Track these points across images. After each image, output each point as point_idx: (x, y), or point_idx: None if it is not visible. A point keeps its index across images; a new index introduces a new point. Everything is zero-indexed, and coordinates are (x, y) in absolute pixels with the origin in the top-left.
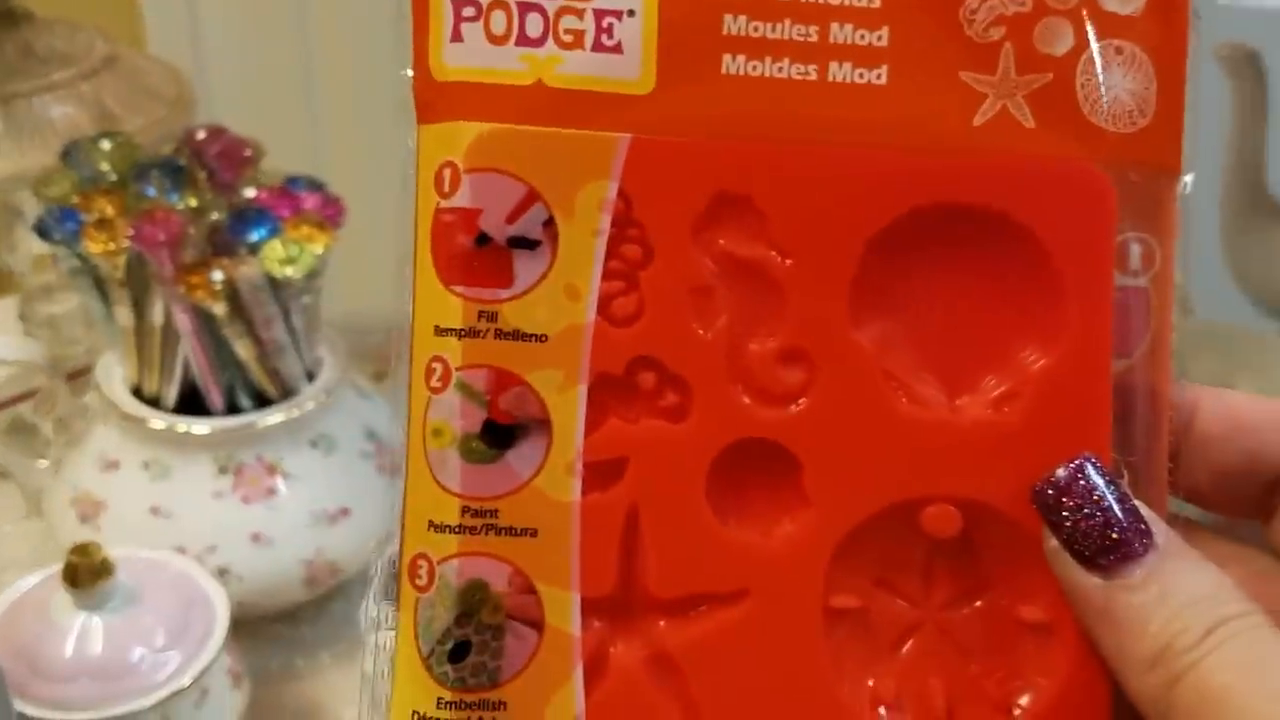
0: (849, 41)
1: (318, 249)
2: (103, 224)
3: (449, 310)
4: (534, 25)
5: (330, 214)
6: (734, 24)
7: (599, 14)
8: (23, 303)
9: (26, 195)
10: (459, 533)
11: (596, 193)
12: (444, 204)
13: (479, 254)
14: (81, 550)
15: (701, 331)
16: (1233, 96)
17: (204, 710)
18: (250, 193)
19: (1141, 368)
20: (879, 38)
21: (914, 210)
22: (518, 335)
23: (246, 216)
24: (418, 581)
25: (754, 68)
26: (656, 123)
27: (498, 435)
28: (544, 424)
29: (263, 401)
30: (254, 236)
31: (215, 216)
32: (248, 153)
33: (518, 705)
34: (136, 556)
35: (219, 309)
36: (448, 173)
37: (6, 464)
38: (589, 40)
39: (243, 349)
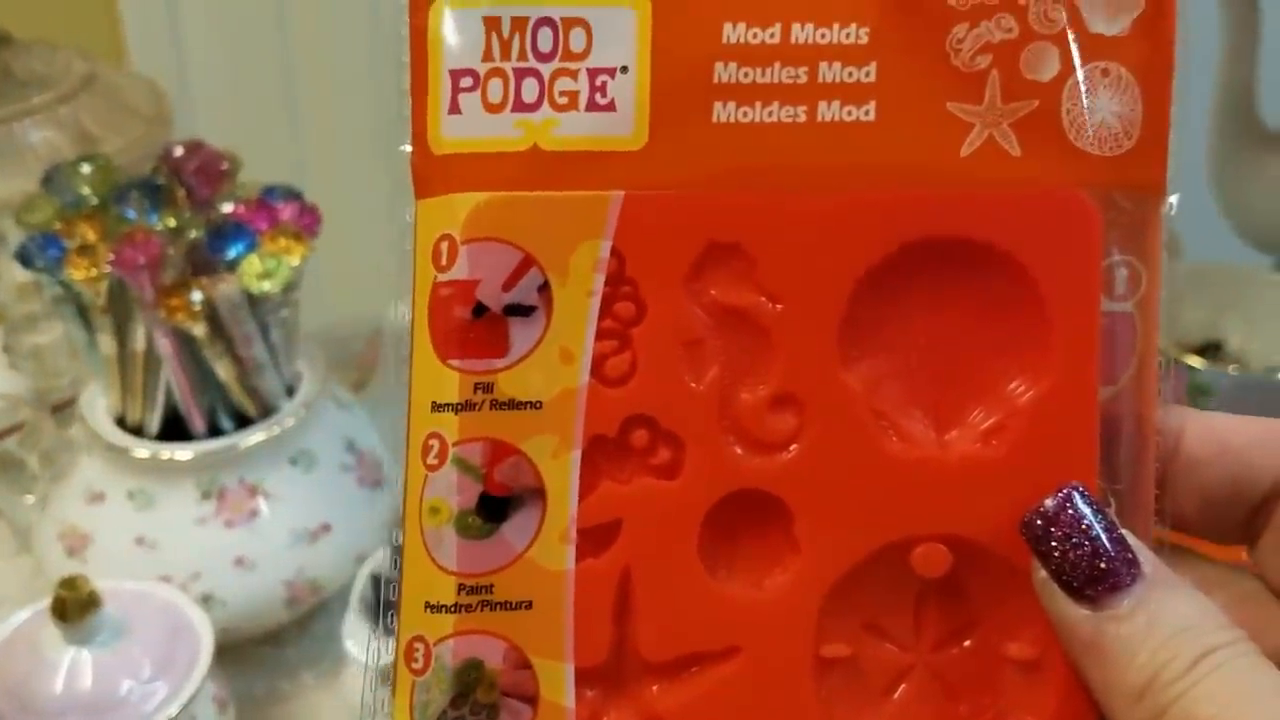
0: (838, 80)
1: (294, 260)
2: (85, 250)
3: (445, 385)
4: (530, 90)
5: (306, 223)
6: (724, 71)
7: (592, 73)
8: (7, 333)
9: (9, 222)
10: (455, 611)
11: (590, 253)
12: (441, 278)
13: (475, 325)
14: (69, 584)
15: (693, 385)
16: (1222, 21)
17: None
18: (228, 207)
19: (1127, 394)
20: (867, 74)
21: (901, 247)
22: (513, 404)
23: (224, 232)
24: (414, 665)
25: (744, 114)
26: (649, 178)
27: (493, 508)
28: (538, 493)
29: (243, 421)
30: (231, 253)
31: (194, 235)
32: (224, 166)
33: None
34: (122, 588)
35: (199, 330)
36: (445, 246)
37: None
38: (583, 100)
39: (223, 369)
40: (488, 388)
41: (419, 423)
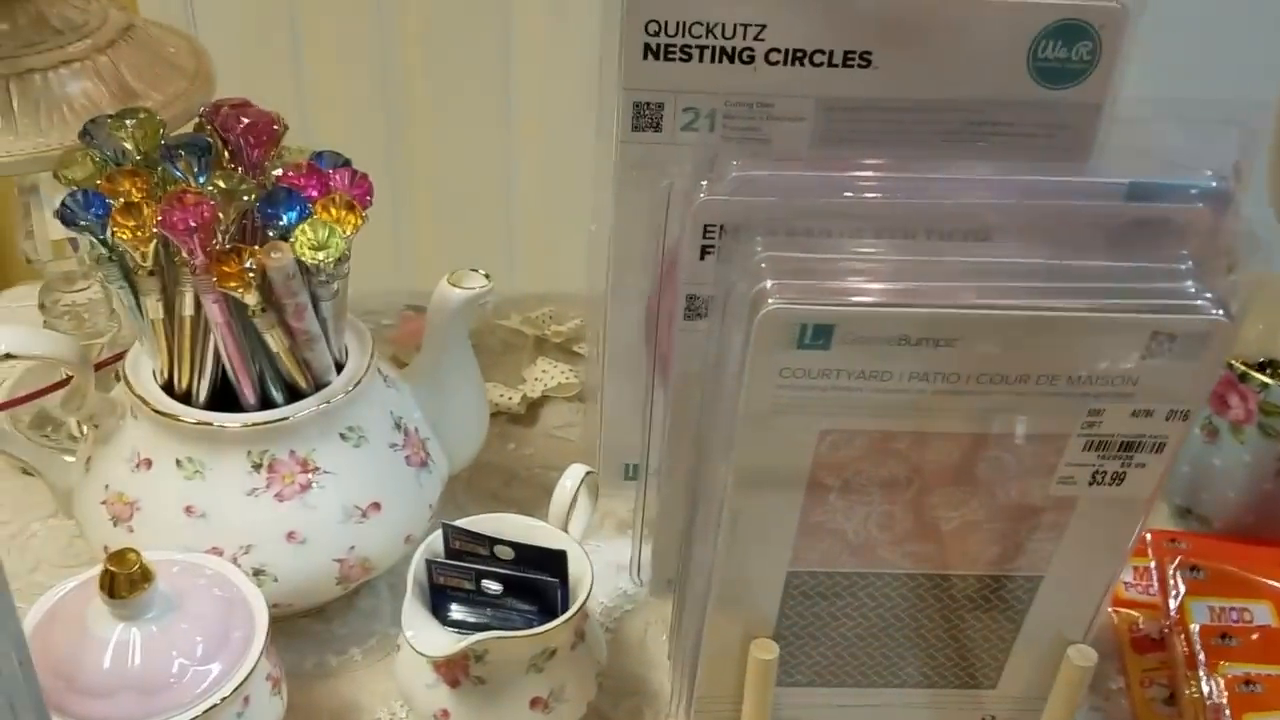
0: None
1: (347, 231)
2: (129, 208)
3: None
4: None
5: (358, 193)
6: None
7: None
8: (42, 291)
9: (44, 177)
10: None
11: None
12: None
13: None
14: (119, 558)
15: None
16: None
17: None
18: (277, 171)
19: None
20: None
21: None
22: None
23: (276, 198)
24: None
25: None
26: None
27: None
28: None
29: (293, 394)
30: (284, 220)
31: (245, 199)
32: (275, 127)
33: None
34: (173, 560)
35: (251, 299)
36: None
37: (34, 462)
38: None
39: (274, 340)
40: None
41: None
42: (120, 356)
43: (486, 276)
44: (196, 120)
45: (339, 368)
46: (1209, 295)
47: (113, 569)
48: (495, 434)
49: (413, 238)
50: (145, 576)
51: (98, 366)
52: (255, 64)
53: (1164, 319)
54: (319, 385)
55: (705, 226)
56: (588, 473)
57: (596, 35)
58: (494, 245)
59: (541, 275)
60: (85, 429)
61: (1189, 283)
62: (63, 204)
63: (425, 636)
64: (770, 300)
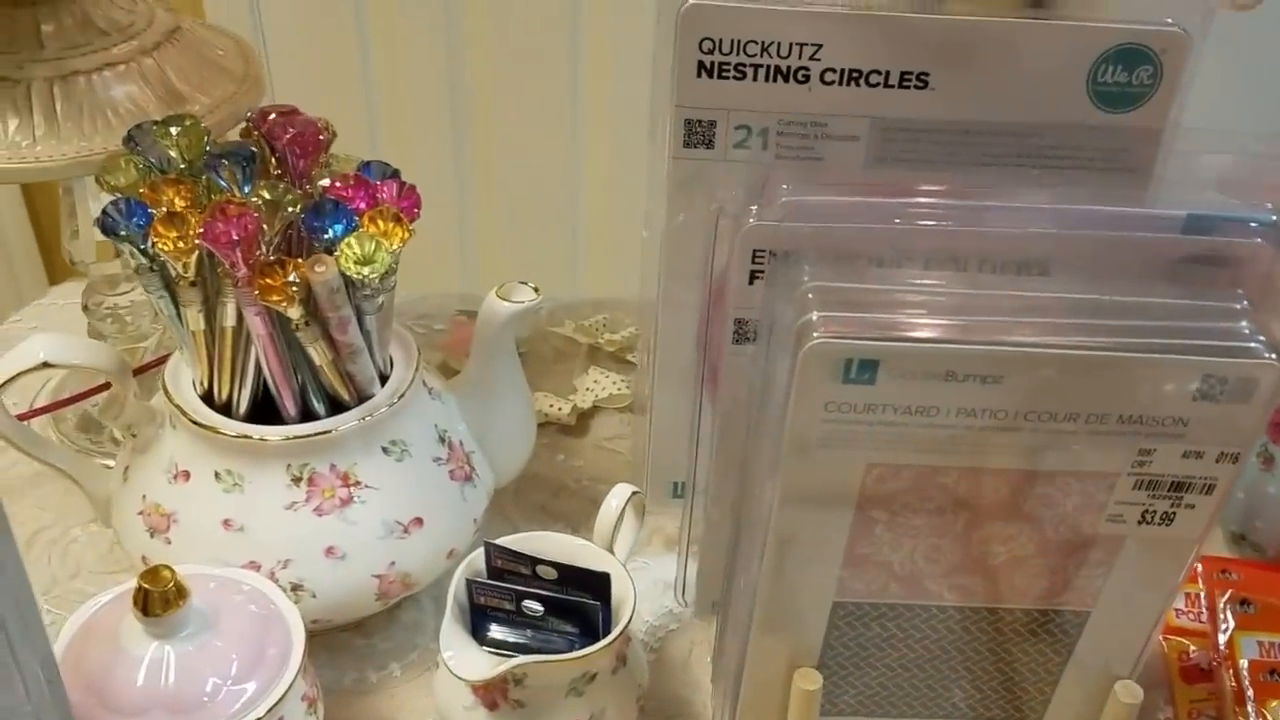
0: None
1: (394, 245)
2: (171, 218)
3: None
4: None
5: (406, 206)
6: None
7: None
8: (85, 294)
9: (88, 180)
10: None
11: None
12: None
13: None
14: (153, 576)
15: None
16: None
17: None
18: (323, 181)
19: None
20: None
21: None
22: None
23: (323, 211)
24: None
25: None
26: None
27: None
28: None
29: (335, 406)
30: (330, 233)
31: (290, 211)
32: (321, 137)
33: None
34: (209, 575)
35: (294, 312)
36: None
37: (73, 471)
38: None
39: (317, 353)
40: None
41: None
42: (164, 360)
43: (535, 290)
44: (243, 125)
45: (383, 379)
46: (1262, 338)
47: (147, 586)
48: (544, 444)
49: (474, 241)
50: (180, 594)
51: (140, 370)
52: (322, 66)
53: (1216, 362)
54: (363, 397)
55: (754, 251)
56: (634, 493)
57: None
58: (555, 250)
59: (601, 281)
60: (123, 438)
61: (1244, 323)
62: (104, 212)
63: (464, 659)
64: (815, 334)
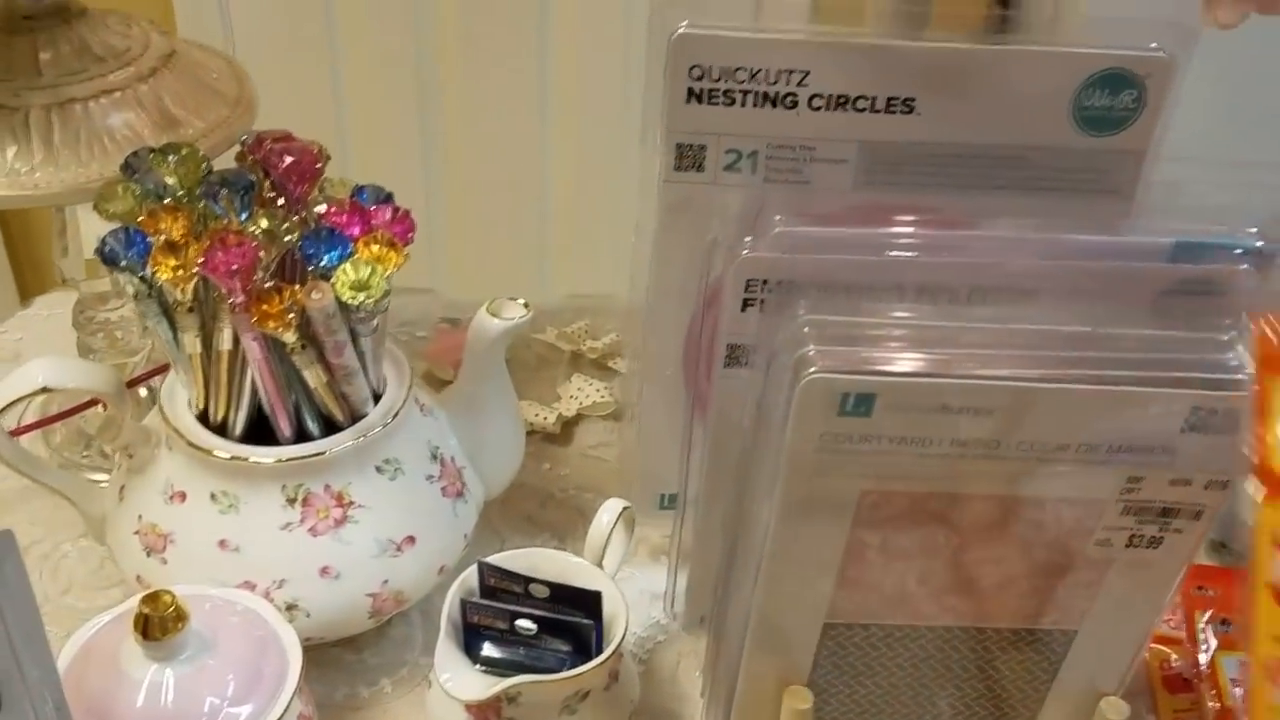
0: None
1: (388, 270)
2: (170, 246)
3: None
4: None
5: (400, 230)
6: None
7: None
8: (76, 308)
9: (84, 206)
10: None
11: None
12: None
13: None
14: (153, 600)
15: None
16: None
17: None
18: (319, 208)
19: None
20: None
21: None
22: None
23: (319, 237)
24: None
25: None
26: None
27: None
28: None
29: (329, 425)
30: (326, 260)
31: (287, 239)
32: (318, 165)
33: None
34: (205, 596)
35: (290, 337)
36: None
37: (66, 490)
38: None
39: (312, 376)
40: None
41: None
42: (154, 373)
43: (525, 305)
44: (239, 149)
45: (376, 398)
46: (1250, 370)
47: (147, 611)
48: (530, 454)
49: (449, 247)
50: (179, 618)
51: (131, 383)
52: (292, 76)
53: (1204, 395)
54: (356, 417)
55: (748, 281)
56: (625, 508)
57: (622, 59)
58: (530, 254)
59: (577, 285)
60: (117, 455)
61: (1231, 354)
62: (104, 242)
63: (459, 680)
64: (812, 369)
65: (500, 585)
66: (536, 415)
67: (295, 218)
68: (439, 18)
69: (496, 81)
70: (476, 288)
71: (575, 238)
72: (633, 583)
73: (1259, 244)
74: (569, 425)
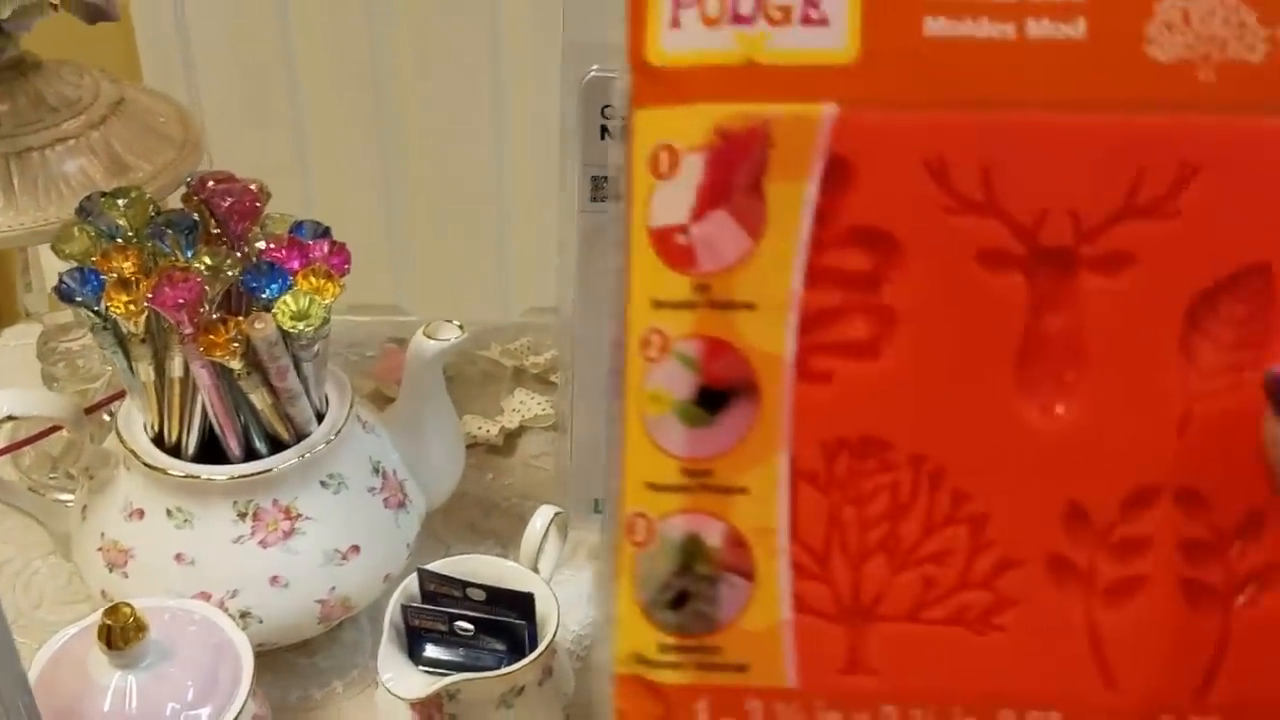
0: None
1: (326, 300)
2: (123, 283)
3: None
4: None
5: (336, 263)
6: None
7: None
8: (40, 340)
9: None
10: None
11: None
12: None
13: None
14: (114, 613)
15: None
16: None
17: None
18: (260, 244)
19: None
20: None
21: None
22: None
23: (260, 271)
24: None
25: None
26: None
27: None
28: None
29: (276, 443)
30: (267, 293)
31: (229, 274)
32: (257, 204)
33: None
34: (164, 607)
35: (236, 364)
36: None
37: (35, 512)
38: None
39: (258, 399)
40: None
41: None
42: (112, 399)
43: (460, 327)
44: (184, 190)
45: (320, 417)
46: None
47: (109, 622)
48: (473, 465)
49: (416, 266)
50: (139, 628)
51: (92, 409)
52: (255, 111)
53: None
54: (301, 435)
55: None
56: (556, 514)
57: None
58: (490, 271)
59: (538, 300)
60: (80, 476)
61: None
62: (61, 281)
63: (401, 680)
64: None
65: (440, 590)
66: (480, 428)
67: (237, 254)
68: (395, 50)
69: (450, 111)
70: (442, 305)
71: (533, 255)
72: (572, 585)
73: None
74: (511, 437)
